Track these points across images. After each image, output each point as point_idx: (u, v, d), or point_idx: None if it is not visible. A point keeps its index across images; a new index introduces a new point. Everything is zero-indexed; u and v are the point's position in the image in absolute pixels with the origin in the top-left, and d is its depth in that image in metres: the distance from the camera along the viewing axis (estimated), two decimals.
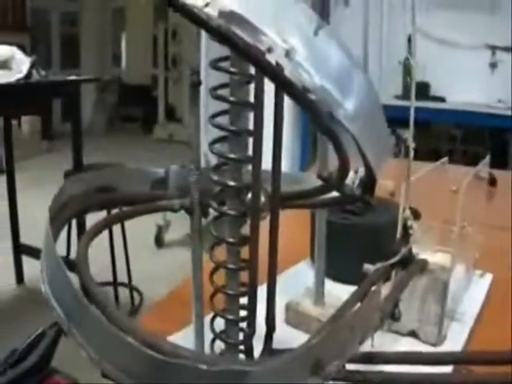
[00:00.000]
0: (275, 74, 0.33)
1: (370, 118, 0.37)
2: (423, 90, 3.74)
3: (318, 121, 0.35)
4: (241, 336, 0.57)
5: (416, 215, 0.62)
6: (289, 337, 0.75)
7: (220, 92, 0.50)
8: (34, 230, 3.54)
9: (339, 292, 0.82)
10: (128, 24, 7.71)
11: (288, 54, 0.32)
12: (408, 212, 0.60)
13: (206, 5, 0.31)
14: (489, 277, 0.95)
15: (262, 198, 0.52)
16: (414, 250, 0.88)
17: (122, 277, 2.92)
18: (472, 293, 0.87)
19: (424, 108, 3.61)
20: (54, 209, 0.49)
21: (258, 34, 0.32)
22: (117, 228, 2.91)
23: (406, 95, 3.73)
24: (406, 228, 0.60)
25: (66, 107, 3.87)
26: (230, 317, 0.56)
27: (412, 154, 0.74)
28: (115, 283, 2.80)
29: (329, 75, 0.33)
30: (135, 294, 3.02)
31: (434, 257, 0.83)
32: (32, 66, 2.58)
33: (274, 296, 0.55)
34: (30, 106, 3.11)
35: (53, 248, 0.41)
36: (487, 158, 1.02)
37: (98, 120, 7.60)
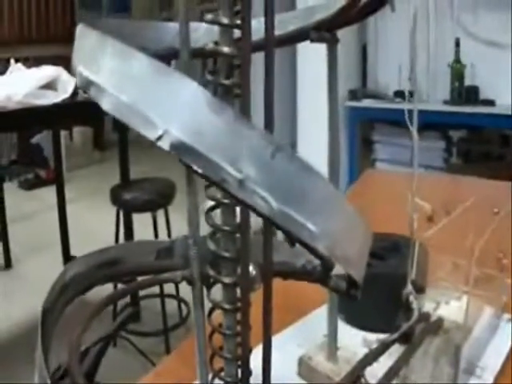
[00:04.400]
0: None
1: (342, 228, 0.37)
2: (472, 94, 3.64)
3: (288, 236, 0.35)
4: None
5: (419, 289, 0.60)
6: None
7: None
8: (84, 242, 3.62)
9: (358, 342, 0.81)
10: None
11: (242, 183, 0.32)
12: (410, 287, 0.59)
13: (159, 138, 0.31)
14: None
15: (254, 271, 0.52)
16: (439, 296, 0.86)
17: (170, 288, 2.95)
18: (497, 342, 0.85)
19: (474, 113, 3.53)
20: (53, 295, 0.50)
21: (211, 165, 0.32)
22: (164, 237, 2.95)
23: (454, 100, 3.64)
24: (407, 304, 0.59)
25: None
26: (228, 379, 0.58)
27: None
28: (162, 295, 2.83)
29: (288, 197, 0.33)
30: (183, 306, 3.06)
31: (456, 304, 0.81)
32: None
33: (269, 374, 0.54)
34: (79, 120, 3.20)
35: (41, 357, 0.42)
36: None
37: None
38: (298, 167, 0.34)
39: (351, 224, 0.38)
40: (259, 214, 0.33)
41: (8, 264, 3.80)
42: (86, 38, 0.39)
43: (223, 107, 0.32)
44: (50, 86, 2.59)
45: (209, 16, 0.49)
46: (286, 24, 0.63)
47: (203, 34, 0.63)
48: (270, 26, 0.50)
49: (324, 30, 0.62)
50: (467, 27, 3.70)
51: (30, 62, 4.76)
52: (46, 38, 6.12)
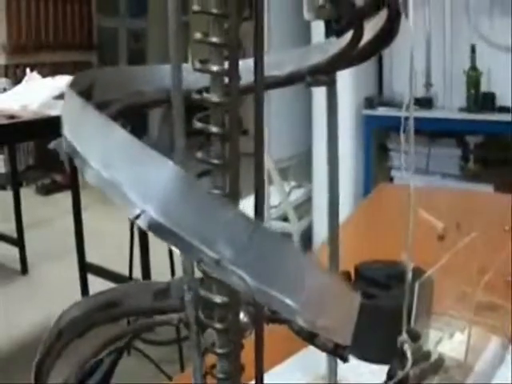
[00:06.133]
0: None
1: (322, 299, 0.37)
2: (489, 101, 3.60)
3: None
4: None
5: (415, 337, 0.60)
6: None
7: None
8: (100, 248, 3.61)
9: (359, 373, 0.81)
10: (193, 37, 7.81)
11: (218, 263, 0.32)
12: (405, 336, 0.58)
13: (137, 217, 0.32)
14: None
15: (245, 318, 0.52)
16: (444, 326, 0.85)
17: None
18: (502, 375, 0.83)
19: (490, 120, 3.50)
20: (49, 341, 0.50)
21: (187, 246, 0.32)
22: None
23: (470, 107, 3.61)
24: (402, 352, 0.58)
25: (132, 121, 3.96)
26: None
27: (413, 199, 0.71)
28: None
29: (265, 275, 0.33)
30: None
31: (459, 338, 0.80)
32: None
33: None
34: None
35: None
36: None
37: (164, 135, 7.74)
38: (274, 245, 0.34)
39: (332, 293, 0.38)
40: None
41: (24, 270, 3.82)
42: (72, 102, 0.40)
43: (200, 187, 0.32)
44: (64, 96, 2.61)
45: (197, 64, 0.50)
46: (284, 65, 0.63)
47: (200, 74, 0.63)
48: (259, 71, 0.49)
49: (323, 72, 0.61)
50: (483, 33, 3.67)
51: (47, 68, 4.81)
52: (63, 44, 6.16)
